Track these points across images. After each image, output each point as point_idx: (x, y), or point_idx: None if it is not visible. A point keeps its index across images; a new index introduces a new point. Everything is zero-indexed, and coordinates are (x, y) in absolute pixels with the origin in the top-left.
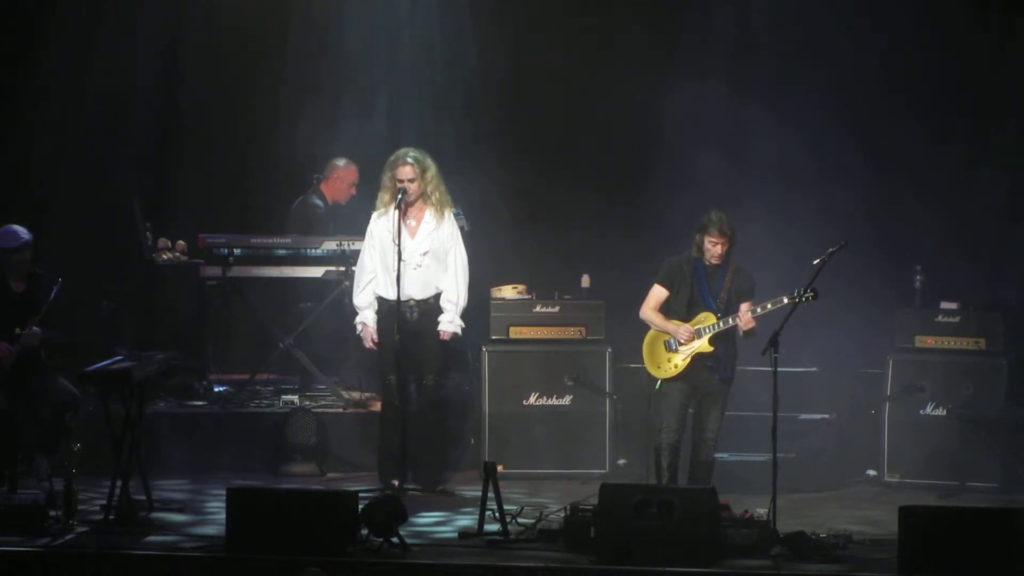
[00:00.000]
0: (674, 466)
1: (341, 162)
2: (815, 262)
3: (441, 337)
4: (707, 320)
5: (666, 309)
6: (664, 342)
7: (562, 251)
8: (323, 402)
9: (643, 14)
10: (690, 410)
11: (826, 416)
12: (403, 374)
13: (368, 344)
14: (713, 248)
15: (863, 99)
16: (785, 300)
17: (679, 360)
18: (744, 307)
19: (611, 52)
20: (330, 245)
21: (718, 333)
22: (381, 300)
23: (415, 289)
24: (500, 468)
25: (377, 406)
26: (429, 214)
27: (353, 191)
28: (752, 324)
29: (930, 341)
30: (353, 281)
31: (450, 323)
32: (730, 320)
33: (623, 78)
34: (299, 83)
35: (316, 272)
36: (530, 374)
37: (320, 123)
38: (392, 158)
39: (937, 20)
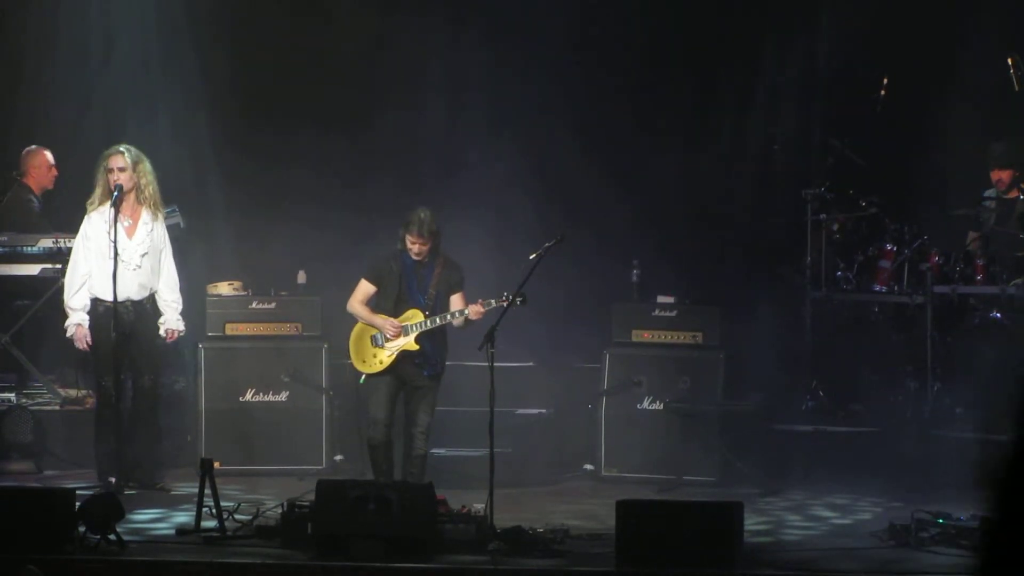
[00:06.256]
0: (390, 461)
1: (32, 149)
2: (531, 257)
3: (170, 339)
4: (415, 317)
5: (374, 304)
6: (371, 337)
7: (278, 247)
8: (40, 400)
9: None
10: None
11: (543, 411)
12: (119, 375)
13: (82, 346)
14: (412, 247)
15: (580, 96)
16: (493, 303)
17: (384, 356)
18: (474, 306)
19: (332, 48)
20: (46, 243)
21: (425, 331)
22: (97, 301)
23: (132, 290)
24: (217, 465)
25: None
26: (146, 214)
27: (55, 172)
28: (480, 315)
29: (647, 335)
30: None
31: (177, 321)
32: (438, 319)
33: (342, 76)
34: (12, 79)
35: (32, 270)
36: (246, 370)
37: (34, 120)
38: (105, 154)
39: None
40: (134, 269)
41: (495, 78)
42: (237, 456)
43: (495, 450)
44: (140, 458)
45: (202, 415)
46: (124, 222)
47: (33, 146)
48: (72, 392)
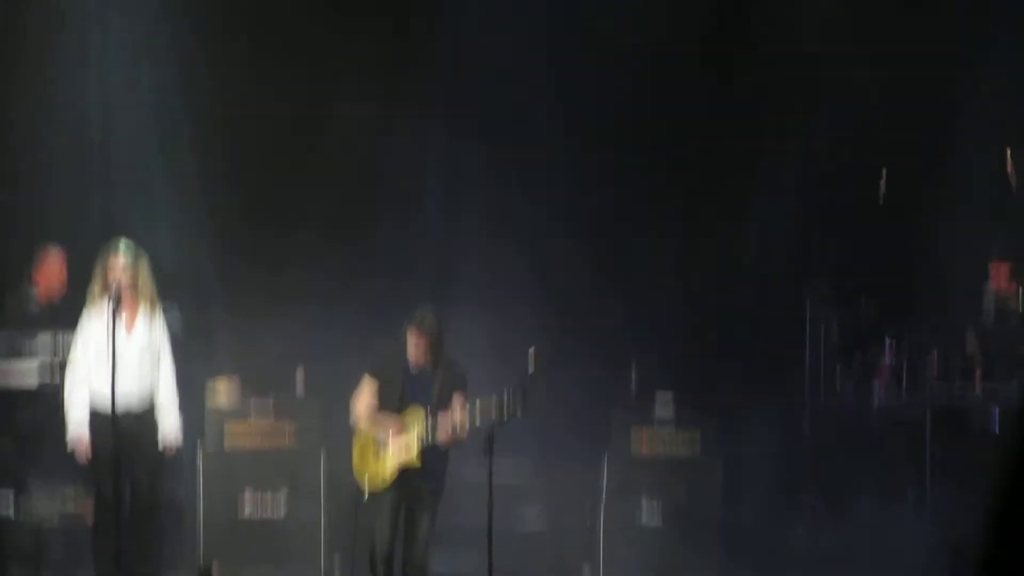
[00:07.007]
0: (390, 574)
1: (47, 251)
2: (530, 372)
3: (170, 454)
4: (416, 414)
5: (378, 401)
6: (373, 450)
7: (276, 346)
8: (39, 512)
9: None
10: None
11: (540, 519)
12: (119, 482)
13: (83, 460)
14: (410, 338)
15: (577, 197)
16: (493, 414)
17: (387, 473)
18: (453, 417)
19: (332, 126)
20: (44, 338)
21: (427, 447)
22: (95, 412)
23: (132, 387)
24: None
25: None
26: (143, 310)
27: (64, 275)
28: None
29: (645, 441)
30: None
31: (175, 437)
32: (438, 418)
33: (340, 179)
34: (9, 170)
35: (32, 364)
36: (245, 477)
37: (32, 210)
38: (103, 249)
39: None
40: (134, 365)
41: (491, 181)
42: (235, 564)
43: (492, 559)
44: (139, 562)
45: (200, 522)
46: (122, 317)
47: (51, 248)
48: (71, 504)
